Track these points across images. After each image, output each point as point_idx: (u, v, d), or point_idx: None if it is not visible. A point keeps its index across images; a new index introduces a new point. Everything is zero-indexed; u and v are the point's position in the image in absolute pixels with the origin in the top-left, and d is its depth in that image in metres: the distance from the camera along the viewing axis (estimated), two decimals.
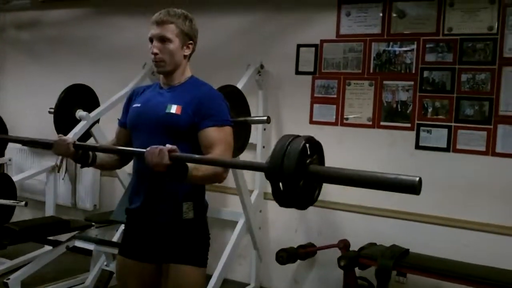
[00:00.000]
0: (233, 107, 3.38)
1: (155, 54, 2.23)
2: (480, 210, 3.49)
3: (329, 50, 3.94)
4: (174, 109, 2.21)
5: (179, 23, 2.23)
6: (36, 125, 5.04)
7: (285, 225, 4.12)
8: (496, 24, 3.44)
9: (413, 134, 3.68)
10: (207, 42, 4.25)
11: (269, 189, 4.07)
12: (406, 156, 3.70)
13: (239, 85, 3.67)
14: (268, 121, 3.54)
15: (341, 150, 3.89)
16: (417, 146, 3.67)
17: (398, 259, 3.28)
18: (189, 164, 1.97)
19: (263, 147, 4.08)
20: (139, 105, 2.33)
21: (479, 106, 3.50)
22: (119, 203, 3.82)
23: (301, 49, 4.03)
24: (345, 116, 3.90)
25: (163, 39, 2.22)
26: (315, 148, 1.68)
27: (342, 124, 3.91)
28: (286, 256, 3.71)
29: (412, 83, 3.68)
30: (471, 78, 3.52)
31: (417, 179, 1.43)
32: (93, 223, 4.05)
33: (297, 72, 4.05)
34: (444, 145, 3.59)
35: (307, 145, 1.63)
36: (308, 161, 1.61)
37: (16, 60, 5.50)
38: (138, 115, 2.31)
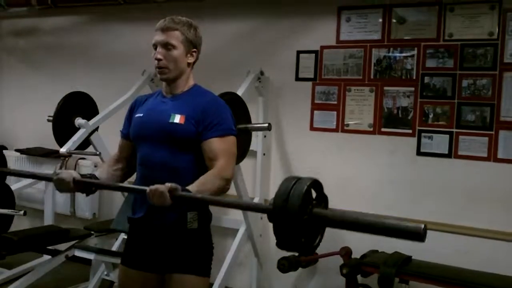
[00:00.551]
0: (233, 114, 3.37)
1: (159, 60, 2.22)
2: (482, 216, 3.48)
3: (329, 56, 3.93)
4: (177, 118, 2.20)
5: (184, 30, 2.24)
6: (34, 133, 5.04)
7: None
8: (497, 30, 3.43)
9: (414, 140, 3.67)
10: (207, 49, 4.21)
11: (270, 196, 4.08)
12: (407, 163, 3.69)
13: (239, 92, 3.66)
14: (269, 128, 3.53)
15: (342, 156, 3.89)
16: (418, 153, 3.66)
17: (401, 267, 3.26)
18: (194, 187, 2.00)
19: (264, 154, 4.06)
20: (141, 114, 2.32)
21: (480, 112, 3.49)
22: (119, 212, 3.78)
23: (301, 55, 4.02)
24: (345, 123, 3.88)
25: (167, 46, 2.22)
26: (318, 190, 1.66)
27: (343, 131, 3.89)
28: (287, 264, 3.68)
29: (412, 89, 3.66)
30: (472, 84, 3.51)
31: (422, 226, 1.43)
32: (92, 232, 4.03)
33: (297, 79, 4.04)
34: (446, 151, 3.58)
35: (311, 188, 1.60)
36: (311, 204, 1.59)
37: (13, 67, 5.48)
38: (141, 125, 2.30)
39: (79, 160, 4.74)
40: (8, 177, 4.93)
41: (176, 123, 2.19)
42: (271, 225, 4.29)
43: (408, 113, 3.68)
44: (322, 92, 3.96)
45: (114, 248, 3.96)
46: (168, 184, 1.90)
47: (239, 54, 4.23)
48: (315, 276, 3.99)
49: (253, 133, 3.70)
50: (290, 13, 4.05)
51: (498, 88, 3.44)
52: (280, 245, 1.60)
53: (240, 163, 3.56)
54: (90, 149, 4.00)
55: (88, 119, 3.95)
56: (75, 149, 3.78)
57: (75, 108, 4.09)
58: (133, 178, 2.39)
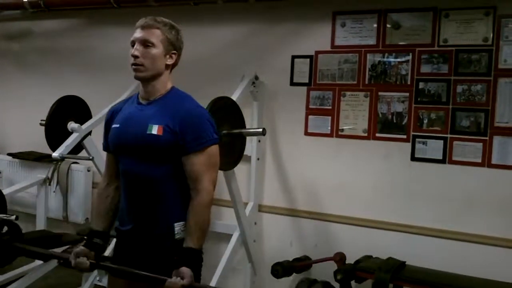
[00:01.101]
0: (228, 119, 3.39)
1: (135, 57, 2.14)
2: (476, 222, 3.47)
3: (324, 61, 3.92)
4: (155, 129, 2.14)
5: (165, 30, 2.18)
6: (27, 137, 5.00)
7: (280, 237, 4.08)
8: (491, 36, 3.43)
9: (408, 145, 3.66)
10: (201, 53, 4.28)
11: (264, 202, 4.09)
12: (402, 168, 3.68)
13: (234, 97, 3.64)
14: (263, 133, 3.51)
15: (337, 162, 3.88)
16: (413, 158, 3.65)
17: (395, 272, 3.24)
18: (193, 241, 2.10)
19: (258, 159, 4.05)
20: (118, 125, 2.25)
21: (474, 117, 3.49)
22: None
23: (296, 60, 4.00)
24: (340, 128, 3.87)
25: (146, 43, 2.15)
26: None
27: (338, 136, 3.88)
28: (281, 269, 3.66)
29: (407, 94, 3.66)
30: (466, 89, 3.51)
31: None
32: (85, 237, 3.98)
33: (292, 84, 4.03)
34: (440, 157, 3.57)
35: None
36: None
37: (6, 71, 5.44)
38: (118, 136, 2.24)
39: (72, 165, 4.71)
40: (0, 182, 4.92)
41: (154, 135, 2.13)
42: (265, 230, 4.32)
43: (403, 119, 3.68)
44: (317, 97, 3.94)
45: (107, 253, 3.91)
46: (185, 281, 2.03)
47: (234, 59, 4.21)
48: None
49: (248, 138, 3.68)
50: (285, 18, 4.04)
51: (492, 94, 3.44)
52: None
53: (234, 168, 3.54)
54: (83, 153, 3.98)
55: (81, 123, 3.93)
56: (68, 153, 3.76)
57: (68, 112, 4.07)
58: None
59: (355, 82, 3.82)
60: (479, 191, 3.47)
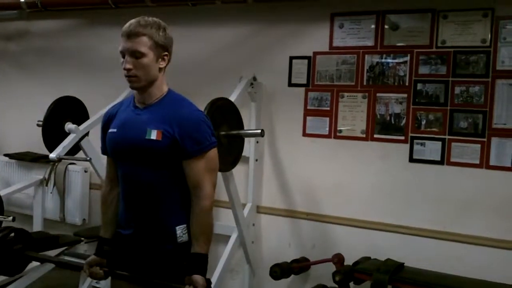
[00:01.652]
0: (226, 120, 3.38)
1: (128, 69, 2.09)
2: (474, 223, 3.47)
3: (322, 62, 3.92)
4: (154, 134, 2.11)
5: (152, 34, 2.10)
6: (23, 138, 4.99)
7: (278, 239, 4.08)
8: (489, 37, 3.43)
9: (406, 146, 3.66)
10: (199, 54, 4.27)
11: (262, 203, 4.08)
12: (400, 169, 3.68)
13: (232, 98, 3.63)
14: (262, 134, 3.50)
15: (335, 163, 3.88)
16: (411, 159, 3.64)
17: (394, 274, 3.24)
18: (200, 246, 2.11)
19: (256, 160, 4.04)
20: (115, 130, 2.23)
21: (472, 119, 3.49)
22: None
23: (294, 61, 4.00)
24: (338, 129, 3.87)
25: (135, 54, 2.08)
26: None
27: (336, 137, 3.88)
28: (280, 271, 3.66)
29: (405, 95, 3.66)
30: (464, 90, 3.51)
31: None
32: (82, 238, 3.98)
33: (290, 84, 4.02)
34: (438, 158, 3.57)
35: None
36: None
37: (2, 71, 5.41)
38: (115, 141, 2.22)
39: (69, 166, 4.69)
40: None
41: (153, 140, 2.11)
42: (263, 231, 4.32)
43: (401, 120, 3.68)
44: (315, 98, 3.94)
45: None
46: None
47: (232, 60, 4.20)
48: (307, 283, 3.96)
49: (246, 139, 3.67)
50: (283, 19, 4.03)
51: (490, 95, 3.44)
52: None
53: (233, 169, 3.54)
54: (80, 154, 3.97)
55: (79, 124, 3.92)
56: (65, 154, 3.75)
57: (65, 113, 4.06)
58: None
59: (353, 83, 3.82)
60: (477, 192, 3.47)
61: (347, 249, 3.68)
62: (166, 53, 2.18)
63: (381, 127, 3.74)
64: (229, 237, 3.85)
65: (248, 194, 4.05)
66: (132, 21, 2.14)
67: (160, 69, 2.17)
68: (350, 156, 3.83)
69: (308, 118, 3.97)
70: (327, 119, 3.90)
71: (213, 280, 3.56)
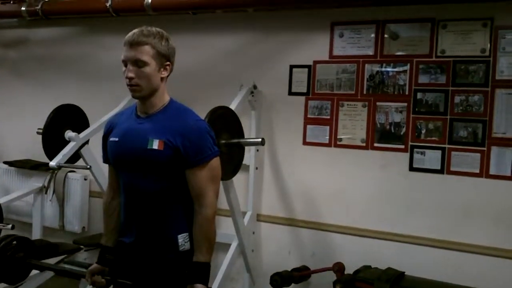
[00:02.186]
0: (226, 129, 3.38)
1: (130, 78, 2.10)
2: (474, 232, 3.47)
3: (322, 71, 3.93)
4: (156, 144, 2.11)
5: (154, 43, 2.11)
6: (23, 145, 4.98)
7: (278, 247, 4.07)
8: (489, 47, 3.45)
9: (406, 155, 3.67)
10: (200, 62, 4.28)
11: (262, 211, 4.07)
12: (400, 178, 3.68)
13: (232, 106, 3.64)
14: (262, 143, 3.51)
15: (335, 171, 3.88)
16: (411, 168, 3.65)
17: (394, 283, 3.24)
18: (202, 254, 2.12)
19: (256, 168, 4.04)
20: (116, 139, 2.23)
21: (472, 128, 3.50)
22: None
23: (294, 69, 4.01)
24: (338, 137, 3.88)
25: (138, 63, 2.09)
26: None
27: (336, 146, 3.88)
28: (280, 280, 3.65)
29: (405, 104, 3.67)
30: (464, 100, 3.52)
31: None
32: (81, 246, 3.97)
33: (290, 93, 4.03)
34: (438, 167, 3.57)
35: None
36: None
37: (3, 79, 5.41)
38: (117, 150, 2.22)
39: (69, 173, 4.69)
40: None
41: (155, 149, 2.11)
42: (263, 239, 4.31)
43: (401, 129, 3.69)
44: (315, 106, 3.95)
45: None
46: None
47: (232, 68, 4.22)
48: None
49: (246, 147, 3.67)
50: (284, 28, 4.05)
51: (490, 105, 3.45)
52: None
53: (233, 177, 3.54)
54: (80, 162, 3.97)
55: (79, 132, 3.92)
56: (65, 162, 3.75)
57: (65, 120, 4.06)
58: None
59: (353, 92, 3.83)
60: (477, 201, 3.48)
61: (347, 258, 3.68)
62: (168, 62, 2.18)
63: (381, 136, 3.75)
64: (229, 245, 3.85)
65: (248, 203, 4.05)
66: (135, 30, 2.15)
67: (162, 78, 2.18)
68: (350, 165, 3.83)
69: (308, 126, 3.98)
70: (327, 127, 3.91)
71: None
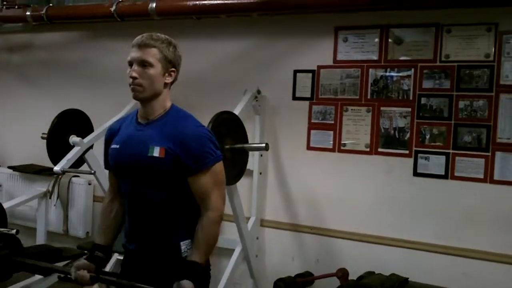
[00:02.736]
0: (230, 134, 3.38)
1: (134, 78, 2.10)
2: (478, 238, 3.46)
3: (326, 76, 3.93)
4: (157, 151, 2.10)
5: (162, 48, 2.13)
6: (27, 150, 4.99)
7: (282, 252, 4.06)
8: (493, 52, 3.44)
9: (410, 161, 3.66)
10: (204, 67, 4.29)
11: (266, 216, 4.07)
12: (404, 183, 3.67)
13: (236, 111, 3.64)
14: (266, 148, 3.51)
15: (339, 176, 3.87)
16: (415, 173, 3.64)
17: None
18: (199, 255, 2.08)
19: (260, 173, 4.04)
20: (117, 146, 2.22)
21: (476, 133, 3.49)
22: None
23: (298, 74, 4.01)
24: (342, 143, 3.87)
25: (143, 63, 2.10)
26: None
27: (340, 151, 3.88)
28: (283, 285, 3.64)
29: (409, 109, 3.66)
30: (468, 105, 3.51)
31: None
32: (85, 251, 3.96)
33: (294, 98, 4.03)
34: (442, 172, 3.56)
35: None
36: None
37: (7, 83, 5.43)
38: (118, 158, 2.22)
39: (73, 178, 4.70)
40: (0, 195, 4.91)
41: (156, 157, 2.10)
42: (267, 245, 4.29)
43: (405, 134, 3.68)
44: (319, 111, 3.95)
45: (108, 268, 3.90)
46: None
47: (236, 73, 4.22)
48: None
49: (250, 152, 3.67)
50: (288, 33, 4.05)
51: (494, 110, 3.44)
52: None
53: (237, 182, 3.54)
54: (85, 167, 3.97)
55: (83, 136, 3.93)
56: (69, 167, 3.75)
57: (69, 125, 4.07)
58: None
59: (357, 97, 3.83)
60: (481, 207, 3.46)
61: (351, 264, 3.67)
62: (174, 69, 2.19)
63: (385, 141, 3.74)
64: (232, 250, 3.84)
65: (252, 208, 4.05)
66: (145, 34, 2.17)
67: (165, 84, 2.18)
68: (354, 170, 3.83)
69: (312, 131, 3.97)
70: (331, 132, 3.91)
71: None
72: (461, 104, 3.53)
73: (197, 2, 3.94)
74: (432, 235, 3.57)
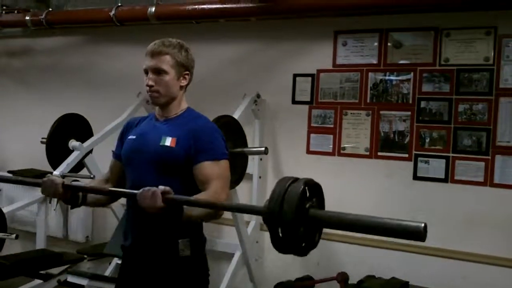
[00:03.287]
0: (229, 138, 3.37)
1: (150, 86, 2.19)
2: (478, 241, 3.46)
3: (325, 80, 3.93)
4: (168, 141, 2.17)
5: (174, 53, 2.20)
6: (27, 154, 4.99)
7: (282, 256, 4.01)
8: (492, 55, 3.45)
9: (410, 164, 3.66)
10: (203, 71, 4.22)
11: None
12: (404, 187, 3.67)
13: (236, 115, 3.64)
14: (265, 152, 3.51)
15: (338, 180, 3.87)
16: (415, 177, 3.64)
17: None
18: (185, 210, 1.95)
19: (260, 177, 4.03)
20: (134, 137, 2.29)
21: (476, 136, 3.49)
22: (113, 236, 3.75)
23: (298, 78, 4.02)
24: (342, 146, 3.87)
25: (158, 71, 2.18)
26: (314, 191, 1.62)
27: (339, 154, 3.88)
28: None
29: (409, 113, 3.66)
30: (468, 108, 3.51)
31: (422, 225, 1.38)
32: (85, 256, 3.96)
33: (294, 102, 4.03)
34: (442, 176, 3.57)
35: (307, 188, 1.57)
36: (307, 205, 1.56)
37: (6, 88, 5.43)
38: (132, 147, 2.27)
39: (73, 183, 4.68)
40: (0, 199, 4.90)
41: (166, 146, 2.16)
42: (267, 249, 4.28)
43: (405, 137, 3.68)
44: (319, 115, 3.95)
45: (108, 273, 3.89)
46: (161, 187, 1.87)
47: (235, 77, 4.23)
48: None
49: (249, 156, 3.67)
50: (287, 37, 4.05)
51: (494, 113, 3.45)
52: (276, 247, 1.56)
53: (236, 186, 3.53)
54: (84, 171, 3.97)
55: (82, 141, 3.93)
56: (69, 171, 3.75)
57: (69, 130, 4.07)
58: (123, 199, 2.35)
59: (356, 101, 3.83)
60: (481, 210, 3.46)
61: (351, 268, 3.66)
62: (187, 72, 2.26)
63: (385, 145, 3.74)
64: (232, 254, 3.84)
65: None
66: (157, 41, 2.23)
67: (181, 87, 2.26)
68: (354, 174, 3.83)
69: (312, 135, 3.97)
70: (331, 136, 3.91)
71: None
72: (461, 107, 3.53)
73: (196, 7, 3.96)
74: (432, 239, 3.49)
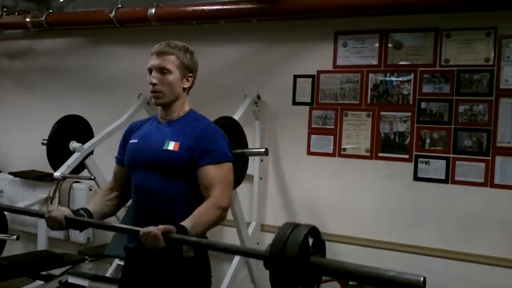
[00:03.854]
0: (230, 139, 3.34)
1: (154, 84, 2.20)
2: (479, 242, 3.46)
3: (326, 81, 3.93)
4: (171, 145, 2.17)
5: (179, 54, 2.22)
6: (28, 156, 4.99)
7: None
8: (493, 56, 3.45)
9: (411, 165, 3.66)
10: (203, 73, 4.18)
11: (266, 221, 4.05)
12: (404, 188, 3.67)
13: (236, 116, 3.65)
14: (266, 153, 3.51)
15: (339, 181, 3.87)
16: (415, 178, 3.64)
17: None
18: (189, 223, 1.98)
19: (260, 178, 4.04)
20: (136, 140, 2.29)
21: (477, 137, 3.49)
22: (113, 237, 3.76)
23: (298, 79, 4.02)
24: (342, 147, 3.87)
25: (162, 70, 2.20)
26: (316, 238, 1.64)
27: (340, 155, 3.88)
28: None
29: (409, 114, 3.67)
30: (468, 109, 3.51)
31: (422, 279, 1.41)
32: (86, 257, 3.97)
33: (294, 103, 4.03)
34: (443, 177, 3.56)
35: (309, 235, 1.59)
36: (309, 252, 1.57)
37: (7, 89, 5.44)
38: (135, 151, 2.27)
39: (74, 184, 4.70)
40: (1, 201, 4.91)
41: (169, 150, 2.16)
42: None
43: (405, 138, 3.68)
44: (319, 116, 3.95)
45: (109, 274, 3.90)
46: (161, 227, 1.88)
47: (236, 78, 4.23)
48: None
49: (250, 157, 3.68)
50: (287, 38, 4.06)
51: (494, 114, 3.44)
52: None
53: (237, 188, 3.54)
54: (85, 173, 3.98)
55: (83, 142, 3.93)
56: (70, 173, 3.76)
57: (70, 131, 4.07)
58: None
59: (357, 102, 3.83)
60: (482, 211, 3.46)
61: None
62: (191, 74, 2.28)
63: (385, 146, 3.74)
64: (233, 256, 3.83)
65: (252, 213, 4.05)
66: (163, 42, 2.26)
67: (184, 89, 2.27)
68: (354, 175, 3.83)
69: (312, 136, 3.97)
70: (331, 137, 3.91)
71: None
72: (461, 108, 3.53)
73: (197, 8, 3.96)
74: (432, 239, 3.56)
